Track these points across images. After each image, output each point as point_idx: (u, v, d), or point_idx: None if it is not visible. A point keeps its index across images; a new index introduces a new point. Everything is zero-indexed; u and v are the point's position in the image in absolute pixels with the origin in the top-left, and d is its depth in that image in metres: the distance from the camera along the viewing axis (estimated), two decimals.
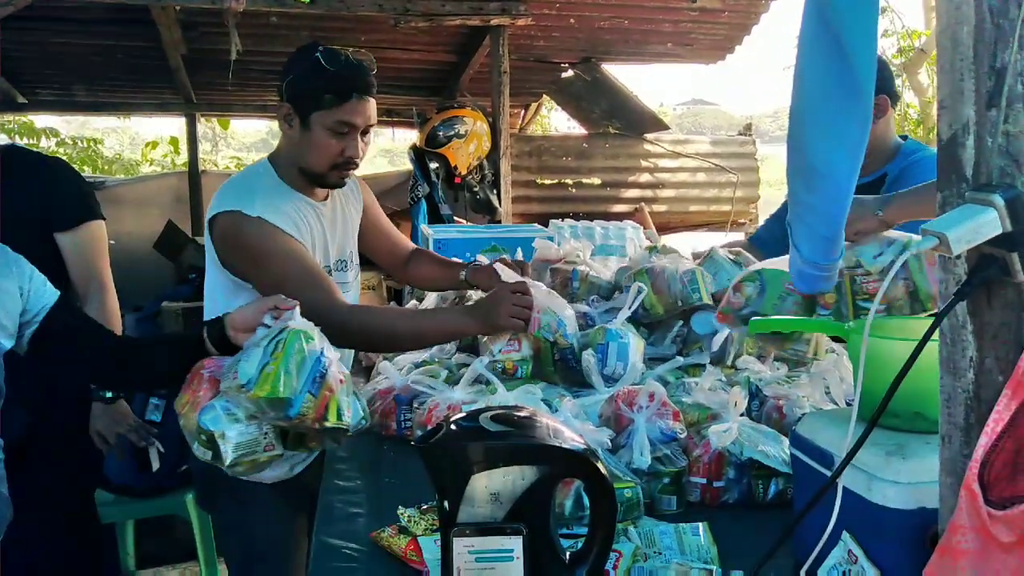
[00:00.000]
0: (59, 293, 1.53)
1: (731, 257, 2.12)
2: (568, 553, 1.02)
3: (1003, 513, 0.78)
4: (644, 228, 4.69)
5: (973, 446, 0.80)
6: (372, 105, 1.80)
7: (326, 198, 1.91)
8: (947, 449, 0.85)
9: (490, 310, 1.72)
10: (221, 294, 1.82)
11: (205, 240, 1.82)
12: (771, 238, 2.40)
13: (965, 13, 0.76)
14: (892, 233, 1.50)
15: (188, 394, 1.37)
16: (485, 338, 1.81)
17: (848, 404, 1.53)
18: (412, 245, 2.26)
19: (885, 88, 2.00)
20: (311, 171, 1.82)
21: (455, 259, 2.28)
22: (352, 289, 2.03)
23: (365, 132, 1.82)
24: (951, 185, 0.81)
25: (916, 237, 1.53)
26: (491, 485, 0.94)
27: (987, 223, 0.73)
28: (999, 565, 0.78)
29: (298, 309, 1.40)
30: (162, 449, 2.31)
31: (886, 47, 7.76)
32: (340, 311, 1.69)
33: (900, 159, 2.01)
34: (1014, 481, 0.78)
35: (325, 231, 1.90)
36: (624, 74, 5.80)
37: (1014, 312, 0.77)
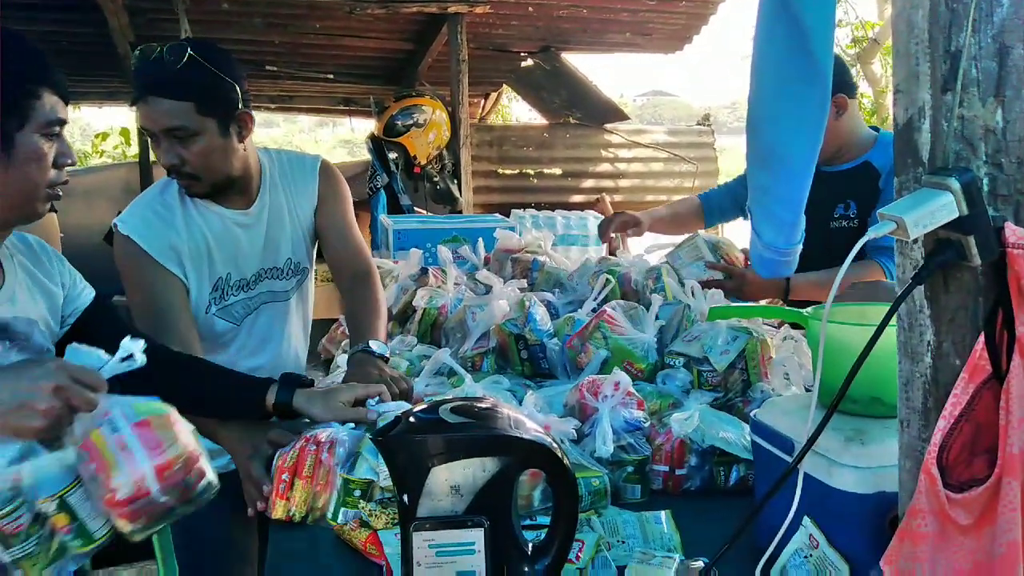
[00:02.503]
0: (95, 294, 1.38)
1: (713, 241, 2.15)
2: (531, 545, 1.01)
3: (961, 496, 0.78)
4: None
5: (931, 430, 0.80)
6: (158, 107, 1.53)
7: (250, 204, 1.73)
8: (906, 434, 0.86)
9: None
10: None
11: None
12: (715, 202, 2.45)
13: None
14: (736, 324, 1.62)
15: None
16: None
17: (807, 390, 1.55)
18: (364, 267, 1.84)
19: (841, 87, 2.03)
20: None
21: (361, 334, 1.71)
22: (296, 295, 1.85)
23: (179, 135, 1.56)
24: (907, 169, 0.81)
25: (760, 327, 1.65)
26: (451, 478, 0.92)
27: (943, 207, 0.73)
28: (957, 547, 0.79)
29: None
30: None
31: (840, 37, 7.88)
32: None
33: (881, 148, 2.05)
34: (971, 464, 0.79)
35: (240, 240, 1.72)
36: (584, 64, 5.80)
37: (971, 296, 0.78)
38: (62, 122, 1.18)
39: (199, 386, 1.42)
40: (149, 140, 1.63)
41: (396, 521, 1.24)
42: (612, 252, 2.50)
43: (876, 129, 2.16)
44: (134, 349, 1.05)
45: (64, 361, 1.04)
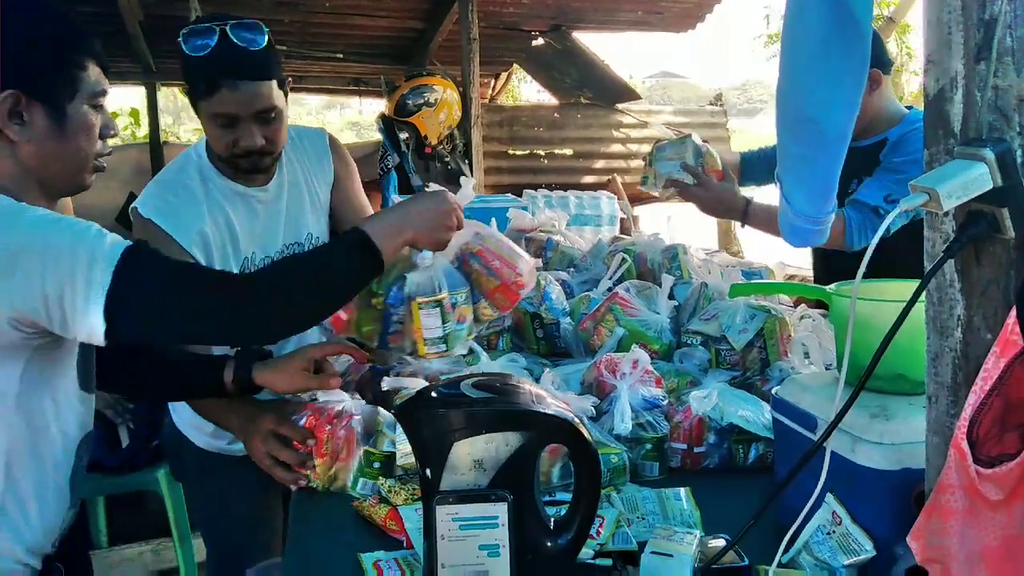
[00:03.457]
0: None
1: (701, 149, 2.15)
2: (552, 520, 1.01)
3: (991, 471, 0.78)
4: (618, 199, 4.69)
5: (960, 405, 0.79)
6: (255, 89, 1.51)
7: (267, 182, 1.70)
8: (934, 409, 0.85)
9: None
10: None
11: None
12: (754, 163, 2.41)
13: None
14: (755, 303, 1.61)
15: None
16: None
17: (827, 368, 1.54)
18: None
19: (876, 62, 1.99)
20: (223, 159, 1.62)
21: None
22: None
23: (264, 118, 1.55)
24: (938, 141, 0.80)
25: (778, 306, 1.64)
26: (474, 452, 0.92)
27: (977, 178, 0.72)
28: (987, 523, 0.79)
29: None
30: (132, 426, 2.26)
31: None
32: None
33: (903, 125, 2.01)
34: (1002, 440, 0.78)
35: (262, 217, 1.70)
36: (594, 44, 5.74)
37: (1002, 269, 0.76)
38: (105, 93, 1.19)
39: (158, 374, 1.40)
40: (214, 126, 1.54)
41: (415, 497, 1.24)
42: (625, 231, 2.48)
43: (910, 108, 2.12)
44: None
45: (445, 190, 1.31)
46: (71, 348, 1.15)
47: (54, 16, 1.14)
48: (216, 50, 1.48)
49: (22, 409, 1.09)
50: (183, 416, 1.84)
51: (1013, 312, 0.76)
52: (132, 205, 1.63)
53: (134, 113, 7.87)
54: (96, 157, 1.19)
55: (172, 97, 10.76)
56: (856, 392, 0.87)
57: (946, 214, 0.79)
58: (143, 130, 7.31)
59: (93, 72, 1.16)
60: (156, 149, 5.99)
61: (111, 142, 1.24)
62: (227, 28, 1.48)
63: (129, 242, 1.06)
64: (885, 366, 1.04)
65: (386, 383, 1.41)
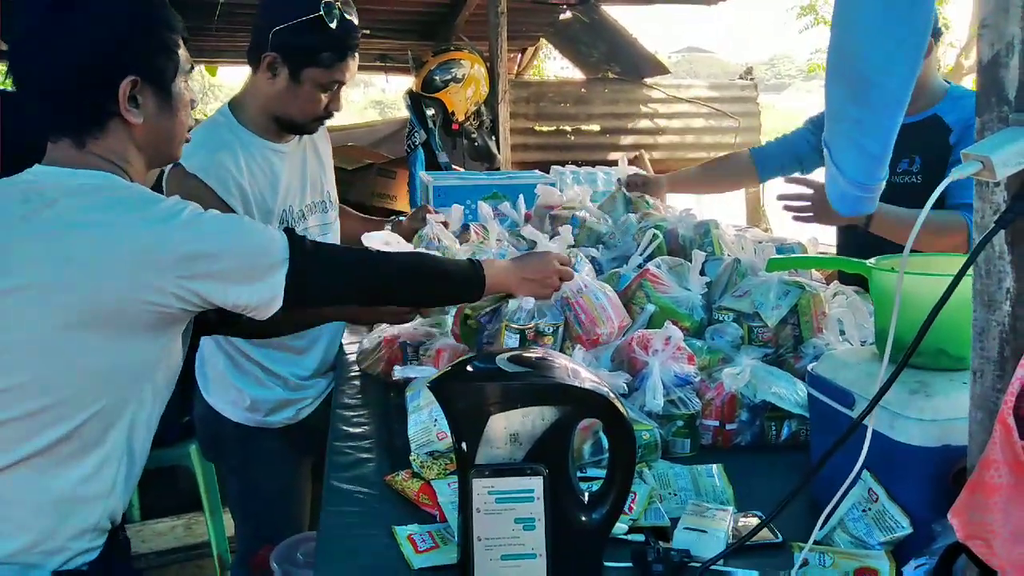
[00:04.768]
0: None
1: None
2: (585, 495, 1.01)
3: None
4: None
5: (1007, 380, 0.77)
6: (356, 61, 1.80)
7: (291, 140, 1.86)
8: (978, 384, 0.83)
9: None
10: None
11: None
12: (772, 155, 2.38)
13: None
14: (788, 279, 1.58)
15: None
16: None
17: (864, 344, 1.52)
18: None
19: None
20: (291, 121, 1.79)
21: (373, 219, 2.36)
22: (332, 231, 2.00)
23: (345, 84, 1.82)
24: (991, 108, 0.77)
25: (811, 282, 1.60)
26: (510, 426, 0.92)
27: None
28: None
29: None
30: None
31: None
32: None
33: (950, 102, 1.96)
34: None
35: (293, 174, 1.85)
36: (622, 17, 5.66)
37: None
38: (193, 68, 1.27)
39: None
40: (318, 91, 1.75)
41: (448, 472, 1.25)
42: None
43: (947, 83, 2.07)
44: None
45: (554, 253, 1.56)
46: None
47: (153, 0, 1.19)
48: (345, 24, 1.71)
49: (151, 379, 1.16)
50: (217, 392, 1.87)
51: None
52: (176, 162, 1.68)
53: None
54: (189, 129, 1.26)
55: (198, 76, 10.82)
56: (900, 368, 0.85)
57: (997, 184, 0.77)
58: None
59: (184, 48, 1.22)
60: None
61: None
62: (340, 5, 1.71)
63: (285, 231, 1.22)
64: (926, 341, 1.01)
65: (397, 372, 1.47)
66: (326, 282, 1.27)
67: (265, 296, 1.17)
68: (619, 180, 2.51)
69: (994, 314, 0.80)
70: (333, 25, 1.68)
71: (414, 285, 1.40)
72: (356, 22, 1.76)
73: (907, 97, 1.11)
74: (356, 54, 1.77)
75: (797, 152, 2.32)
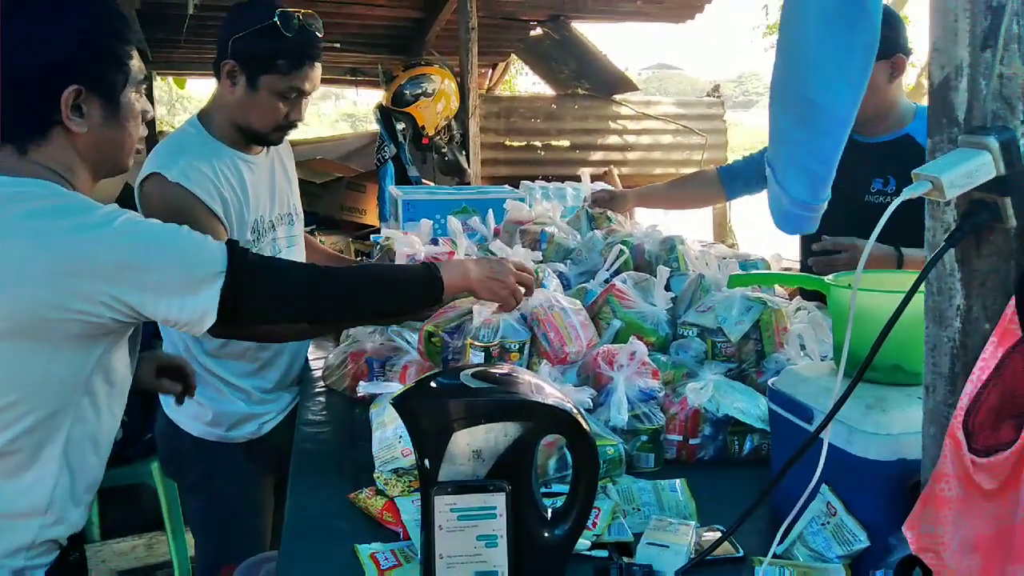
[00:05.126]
0: None
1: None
2: (549, 511, 1.01)
3: (986, 461, 0.78)
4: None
5: (958, 395, 0.79)
6: (319, 70, 1.79)
7: (260, 152, 1.88)
8: (931, 399, 0.85)
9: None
10: None
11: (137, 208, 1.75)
12: (739, 173, 2.40)
13: None
14: (751, 295, 1.60)
15: None
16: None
17: (823, 360, 1.54)
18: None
19: (901, 46, 1.92)
20: (252, 130, 1.79)
21: (343, 255, 2.37)
22: (299, 244, 2.00)
23: (310, 96, 1.82)
24: (942, 130, 0.79)
25: (774, 298, 1.62)
26: (473, 442, 0.92)
27: (981, 167, 0.71)
28: (981, 512, 0.79)
29: None
30: (126, 418, 2.25)
31: None
32: None
33: (921, 122, 1.97)
34: (998, 429, 0.78)
35: (263, 185, 1.86)
36: (591, 35, 5.72)
37: (1003, 259, 0.76)
38: (148, 79, 1.26)
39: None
40: (276, 99, 1.75)
41: (412, 489, 1.24)
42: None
43: (914, 104, 2.09)
44: None
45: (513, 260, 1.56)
46: (133, 332, 1.21)
47: (106, 9, 1.17)
48: (303, 32, 1.72)
49: (89, 391, 1.13)
50: (179, 407, 1.84)
51: (1012, 302, 0.76)
52: (153, 172, 1.70)
53: None
54: (139, 140, 1.24)
55: (167, 88, 10.72)
56: (854, 383, 0.87)
57: (948, 203, 0.79)
58: None
59: (137, 59, 1.20)
60: (151, 139, 5.97)
61: None
62: (300, 15, 1.72)
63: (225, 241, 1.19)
64: (882, 357, 1.04)
65: (362, 388, 1.47)
66: (266, 299, 1.22)
67: (196, 311, 1.13)
68: (585, 197, 2.53)
69: (945, 330, 0.82)
70: (288, 32, 1.69)
71: (367, 298, 1.36)
72: (319, 33, 1.76)
73: (850, 120, 1.14)
74: (317, 64, 1.77)
75: (763, 171, 2.36)
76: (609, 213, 2.35)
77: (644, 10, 5.48)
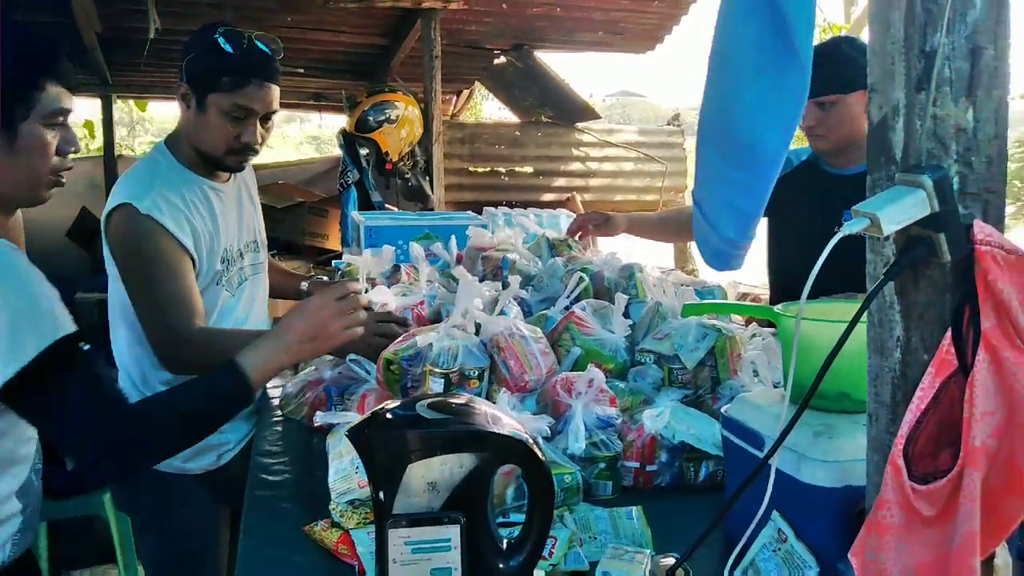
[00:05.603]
0: None
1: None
2: (505, 541, 1.01)
3: (925, 488, 0.80)
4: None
5: (899, 424, 0.81)
6: (274, 91, 1.74)
7: (228, 180, 1.86)
8: (874, 427, 0.87)
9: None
10: (120, 300, 1.73)
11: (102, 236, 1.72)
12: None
13: None
14: (707, 322, 1.63)
15: None
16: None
17: (776, 386, 1.56)
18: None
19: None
20: (207, 154, 1.77)
21: (296, 272, 2.35)
22: (263, 271, 2.00)
23: (267, 118, 1.76)
24: (881, 167, 0.82)
25: (729, 325, 1.65)
26: (428, 474, 0.92)
27: (916, 204, 0.74)
28: (921, 539, 0.81)
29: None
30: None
31: None
32: (191, 339, 1.62)
33: None
34: (936, 457, 0.80)
35: (231, 213, 1.85)
36: (555, 64, 5.80)
37: (939, 292, 0.79)
38: (66, 112, 1.21)
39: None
40: (225, 119, 1.70)
41: (368, 521, 1.23)
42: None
43: None
44: None
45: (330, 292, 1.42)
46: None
47: (14, 38, 1.14)
48: (249, 50, 1.69)
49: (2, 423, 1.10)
50: None
51: (949, 333, 0.78)
52: (123, 202, 1.67)
53: (88, 125, 7.72)
54: (54, 172, 1.21)
55: (127, 110, 10.58)
56: (800, 411, 0.88)
57: (887, 238, 0.81)
58: (97, 142, 7.18)
59: (52, 91, 1.17)
60: (110, 162, 5.89)
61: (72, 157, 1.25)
62: (252, 36, 1.70)
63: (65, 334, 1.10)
64: (829, 385, 1.07)
65: (319, 418, 1.45)
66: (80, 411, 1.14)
67: None
68: (575, 219, 2.53)
69: (886, 360, 0.84)
70: (231, 49, 1.66)
71: (186, 441, 1.29)
72: (273, 53, 1.73)
73: (782, 159, 1.17)
74: (268, 84, 1.72)
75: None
76: (570, 241, 2.37)
77: (605, 40, 5.57)
